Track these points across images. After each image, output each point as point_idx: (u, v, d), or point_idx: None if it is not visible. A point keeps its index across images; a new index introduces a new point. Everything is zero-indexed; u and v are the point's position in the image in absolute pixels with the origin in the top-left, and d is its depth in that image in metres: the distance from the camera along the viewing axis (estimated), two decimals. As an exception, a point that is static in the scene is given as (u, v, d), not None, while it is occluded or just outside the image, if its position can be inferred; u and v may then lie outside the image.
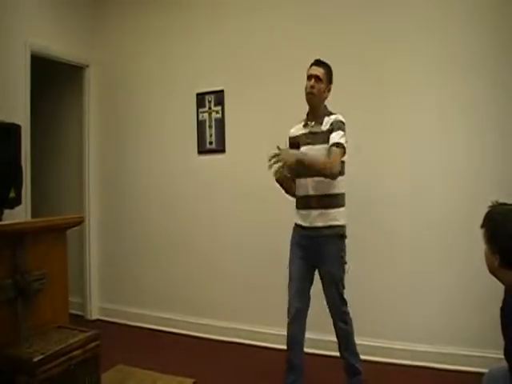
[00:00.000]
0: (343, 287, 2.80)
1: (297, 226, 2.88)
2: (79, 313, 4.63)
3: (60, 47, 4.34)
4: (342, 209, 2.80)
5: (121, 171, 4.68)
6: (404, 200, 3.39)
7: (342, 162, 2.75)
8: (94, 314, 4.72)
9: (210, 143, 4.13)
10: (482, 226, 1.72)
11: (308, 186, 2.79)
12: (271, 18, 3.85)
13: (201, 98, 4.16)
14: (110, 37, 4.74)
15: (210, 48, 4.13)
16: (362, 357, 2.99)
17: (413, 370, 3.22)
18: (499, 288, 1.69)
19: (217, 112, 4.10)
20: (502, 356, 1.62)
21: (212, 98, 4.11)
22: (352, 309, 2.82)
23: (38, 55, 4.09)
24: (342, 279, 2.79)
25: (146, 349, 3.82)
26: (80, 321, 4.42)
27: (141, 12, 4.53)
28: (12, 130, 3.56)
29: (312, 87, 2.79)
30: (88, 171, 4.74)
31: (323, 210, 2.74)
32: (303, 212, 2.82)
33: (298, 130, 2.94)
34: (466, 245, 3.09)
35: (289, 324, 2.81)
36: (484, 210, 1.74)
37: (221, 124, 4.08)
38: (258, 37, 3.91)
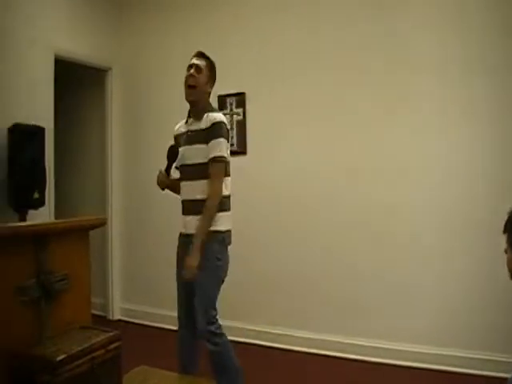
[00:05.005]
0: (212, 304, 2.44)
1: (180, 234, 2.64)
2: (101, 313, 4.69)
3: (83, 50, 4.41)
4: (221, 213, 2.45)
5: (143, 172, 4.69)
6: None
7: (226, 163, 2.49)
8: (116, 315, 4.77)
9: (232, 145, 4.13)
10: (505, 232, 1.68)
11: (185, 190, 2.56)
12: (293, 19, 3.84)
13: (222, 100, 4.16)
14: (132, 39, 4.80)
15: (231, 50, 4.14)
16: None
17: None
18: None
19: (238, 114, 4.10)
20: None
21: (233, 100, 4.12)
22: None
23: (61, 59, 4.15)
24: (210, 295, 2.43)
25: (167, 350, 3.82)
26: (102, 321, 4.46)
27: (163, 13, 4.57)
28: (36, 133, 3.63)
29: (192, 76, 2.48)
30: (111, 172, 4.79)
31: (197, 216, 2.43)
32: (184, 218, 2.57)
33: (180, 126, 2.66)
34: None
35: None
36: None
37: (242, 126, 4.09)
38: (279, 39, 3.90)
